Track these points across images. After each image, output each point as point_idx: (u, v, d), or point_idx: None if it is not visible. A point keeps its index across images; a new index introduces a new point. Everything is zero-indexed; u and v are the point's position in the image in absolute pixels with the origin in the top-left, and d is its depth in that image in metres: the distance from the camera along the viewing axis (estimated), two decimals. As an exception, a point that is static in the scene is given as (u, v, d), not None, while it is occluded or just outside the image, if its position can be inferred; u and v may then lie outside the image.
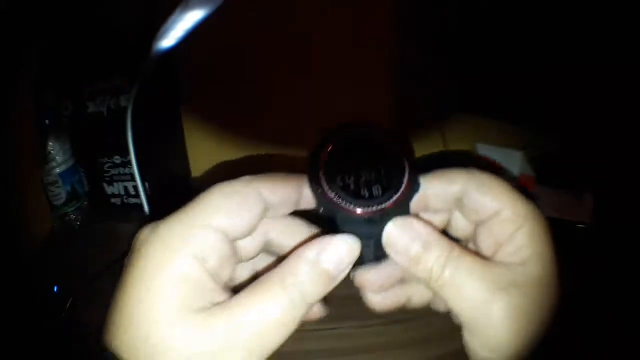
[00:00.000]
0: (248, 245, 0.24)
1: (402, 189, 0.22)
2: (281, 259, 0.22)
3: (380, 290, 0.25)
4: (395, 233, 0.22)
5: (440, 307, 0.27)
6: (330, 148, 0.23)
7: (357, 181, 0.22)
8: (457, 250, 0.22)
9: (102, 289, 0.55)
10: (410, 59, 0.75)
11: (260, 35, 0.72)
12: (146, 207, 0.48)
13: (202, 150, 0.82)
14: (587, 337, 0.30)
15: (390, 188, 0.22)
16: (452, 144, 0.79)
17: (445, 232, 0.25)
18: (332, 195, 0.22)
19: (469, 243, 0.26)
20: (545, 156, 0.74)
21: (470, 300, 0.21)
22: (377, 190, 0.22)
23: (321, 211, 0.23)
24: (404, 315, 0.32)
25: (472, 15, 0.66)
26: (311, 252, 0.21)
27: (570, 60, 0.57)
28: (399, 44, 0.74)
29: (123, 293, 0.20)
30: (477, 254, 0.24)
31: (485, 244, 0.24)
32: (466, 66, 0.70)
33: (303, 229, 0.25)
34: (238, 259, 0.23)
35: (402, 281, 0.26)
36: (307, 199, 0.24)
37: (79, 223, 0.65)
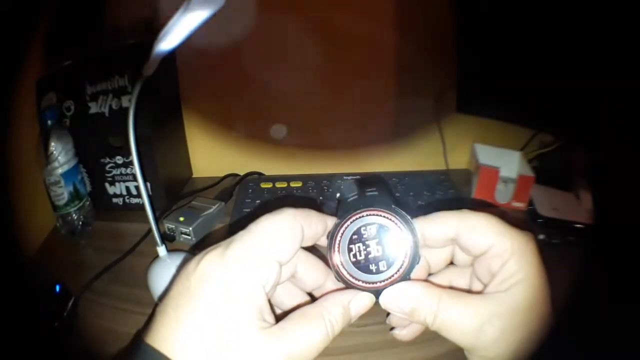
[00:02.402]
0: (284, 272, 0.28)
1: (403, 266, 0.27)
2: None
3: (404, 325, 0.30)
4: (388, 301, 0.27)
5: None
6: (344, 227, 0.27)
7: (367, 256, 0.27)
8: (445, 297, 0.26)
9: (103, 289, 0.56)
10: (411, 59, 0.76)
11: (261, 35, 0.72)
12: (148, 207, 0.48)
13: (202, 150, 0.82)
14: (587, 337, 0.30)
15: (394, 263, 0.27)
16: (451, 144, 0.80)
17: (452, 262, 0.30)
18: (344, 272, 0.27)
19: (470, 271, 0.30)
20: (545, 156, 0.75)
21: (463, 332, 0.25)
22: (383, 266, 0.27)
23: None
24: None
25: (473, 15, 0.66)
26: (345, 298, 0.27)
27: (569, 60, 0.57)
28: (400, 44, 0.75)
29: (189, 299, 0.23)
30: (467, 289, 0.29)
31: (481, 274, 0.28)
32: (466, 66, 0.70)
33: (321, 265, 0.30)
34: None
35: None
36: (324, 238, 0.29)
37: (80, 223, 0.65)
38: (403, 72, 0.77)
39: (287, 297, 0.29)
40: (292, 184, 0.73)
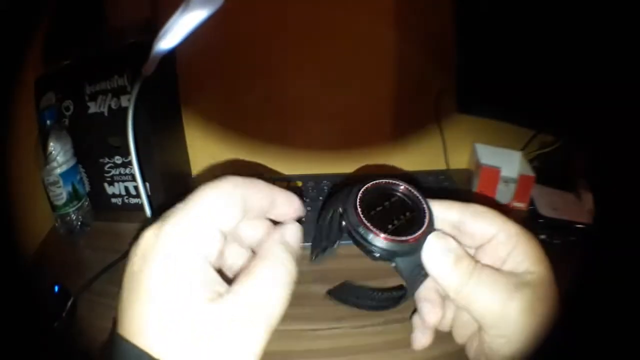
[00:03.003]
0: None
1: (422, 229, 0.26)
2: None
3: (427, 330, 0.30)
4: (435, 244, 0.26)
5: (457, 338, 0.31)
6: (363, 188, 0.27)
7: (385, 217, 0.26)
8: (479, 263, 0.26)
9: (102, 289, 0.56)
10: (411, 59, 0.75)
11: (260, 35, 0.72)
12: (147, 207, 0.48)
13: (202, 150, 0.82)
14: (587, 336, 0.30)
15: (412, 227, 0.26)
16: (451, 144, 0.80)
17: None
18: (365, 221, 0.26)
19: None
20: (545, 156, 0.75)
21: (492, 300, 0.25)
22: (403, 228, 0.26)
23: (354, 234, 0.26)
24: (403, 315, 0.32)
25: (473, 15, 0.66)
26: (277, 235, 0.25)
27: (570, 60, 0.57)
28: (399, 44, 0.74)
29: (140, 286, 0.22)
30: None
31: (487, 262, 0.27)
32: (467, 66, 0.70)
33: (260, 221, 0.28)
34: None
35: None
36: (278, 212, 0.27)
37: (79, 223, 0.65)
38: (403, 72, 0.76)
39: (235, 258, 0.28)
40: (292, 184, 0.73)
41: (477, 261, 0.27)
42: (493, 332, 0.25)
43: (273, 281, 0.23)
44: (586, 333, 0.31)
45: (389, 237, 0.25)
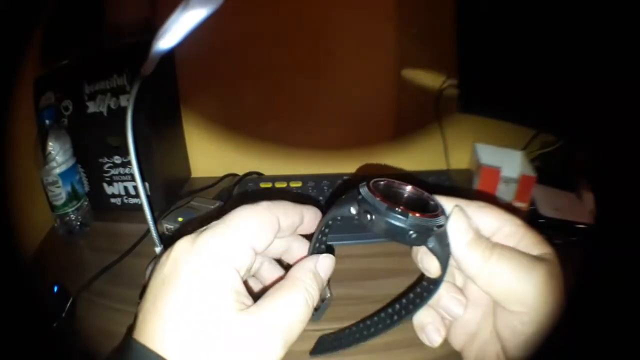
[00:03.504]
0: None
1: (437, 211, 0.26)
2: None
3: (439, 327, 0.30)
4: (460, 220, 0.26)
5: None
6: (371, 184, 0.27)
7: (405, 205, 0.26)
8: (496, 242, 0.26)
9: (102, 289, 0.56)
10: (411, 59, 0.75)
11: (260, 35, 0.72)
12: (146, 207, 0.48)
13: (202, 150, 0.82)
14: (587, 336, 0.30)
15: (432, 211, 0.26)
16: (452, 144, 0.79)
17: None
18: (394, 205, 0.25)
19: None
20: (546, 156, 0.74)
21: (515, 275, 0.25)
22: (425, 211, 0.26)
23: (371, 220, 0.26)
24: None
25: (474, 15, 0.66)
26: (311, 263, 0.28)
27: (571, 60, 0.57)
28: (400, 44, 0.74)
29: (166, 291, 0.23)
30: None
31: None
32: (467, 66, 0.70)
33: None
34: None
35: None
36: (305, 227, 0.30)
37: (78, 223, 0.65)
38: (404, 71, 0.76)
39: (267, 272, 0.30)
40: (292, 184, 0.73)
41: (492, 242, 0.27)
42: (516, 307, 0.25)
43: (296, 305, 0.25)
44: (587, 333, 0.31)
45: (422, 214, 0.25)
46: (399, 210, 0.25)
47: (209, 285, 0.23)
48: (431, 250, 0.26)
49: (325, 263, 0.28)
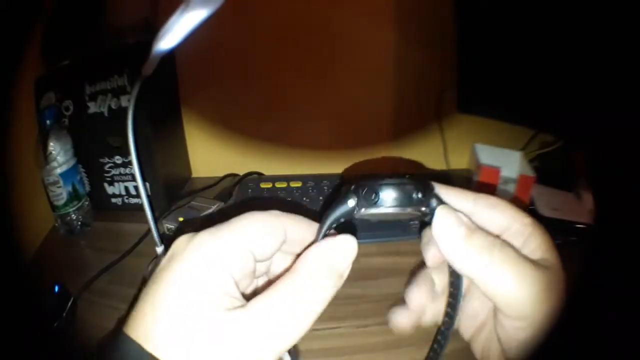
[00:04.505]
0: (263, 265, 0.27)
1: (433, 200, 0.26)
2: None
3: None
4: (445, 215, 0.25)
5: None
6: (363, 181, 0.26)
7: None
8: (500, 240, 0.25)
9: (102, 289, 0.56)
10: (411, 59, 0.75)
11: (260, 35, 0.72)
12: (147, 207, 0.48)
13: (202, 150, 0.82)
14: (587, 336, 0.30)
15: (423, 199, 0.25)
16: (452, 144, 0.80)
17: None
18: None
19: None
20: (545, 156, 0.75)
21: (516, 280, 0.24)
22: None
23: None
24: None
25: (473, 15, 0.66)
26: (324, 252, 0.24)
27: (570, 60, 0.57)
28: (399, 44, 0.74)
29: (159, 287, 0.23)
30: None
31: None
32: (467, 66, 0.70)
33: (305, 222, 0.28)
34: (255, 275, 0.27)
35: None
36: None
37: (79, 223, 0.65)
38: (403, 72, 0.76)
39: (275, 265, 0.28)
40: (292, 184, 0.73)
41: (498, 237, 0.25)
42: (513, 314, 0.24)
43: (292, 297, 0.23)
44: (587, 333, 0.31)
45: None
46: (413, 189, 0.25)
47: (198, 282, 0.22)
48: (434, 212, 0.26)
49: (344, 252, 0.24)
